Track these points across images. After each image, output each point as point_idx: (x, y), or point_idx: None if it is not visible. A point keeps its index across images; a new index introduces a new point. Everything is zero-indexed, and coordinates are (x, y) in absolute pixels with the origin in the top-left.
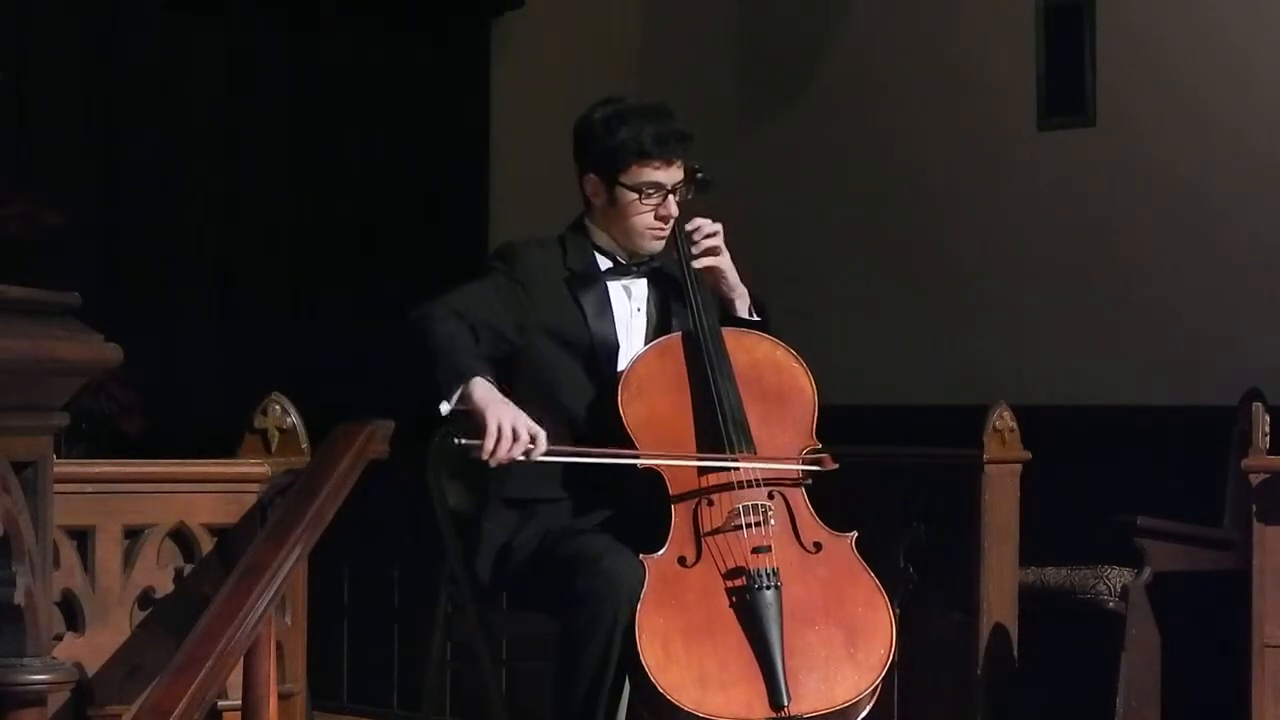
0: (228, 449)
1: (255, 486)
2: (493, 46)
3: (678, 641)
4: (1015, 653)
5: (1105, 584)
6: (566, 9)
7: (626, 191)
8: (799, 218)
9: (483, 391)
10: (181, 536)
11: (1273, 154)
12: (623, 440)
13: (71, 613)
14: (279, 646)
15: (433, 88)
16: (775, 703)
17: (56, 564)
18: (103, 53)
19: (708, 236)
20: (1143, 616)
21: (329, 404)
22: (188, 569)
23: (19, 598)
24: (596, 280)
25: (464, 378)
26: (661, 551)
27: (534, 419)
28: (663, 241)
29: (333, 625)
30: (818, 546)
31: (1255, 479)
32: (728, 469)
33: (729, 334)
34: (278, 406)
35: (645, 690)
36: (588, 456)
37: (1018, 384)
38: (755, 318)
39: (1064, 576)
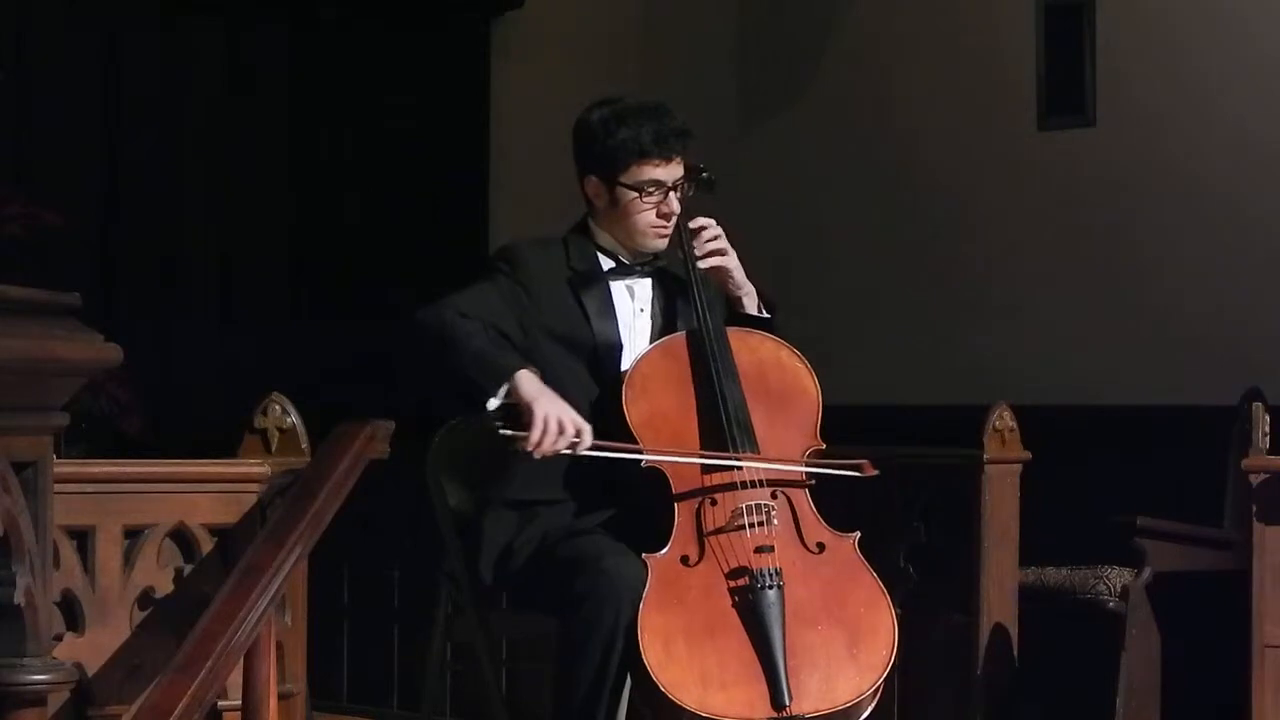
0: (228, 449)
1: (255, 486)
2: (493, 46)
3: (679, 640)
4: (1015, 653)
5: (1105, 584)
6: (566, 9)
7: (627, 191)
8: (798, 218)
9: (530, 384)
10: (181, 536)
11: (1274, 155)
12: (626, 439)
13: (71, 613)
14: (279, 646)
15: (433, 88)
16: (777, 703)
17: (56, 564)
18: (103, 52)
19: (712, 239)
20: (1143, 616)
21: (329, 404)
22: (188, 569)
23: (19, 598)
24: (599, 280)
25: (510, 370)
26: (664, 551)
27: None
28: (666, 240)
29: (333, 625)
30: (820, 547)
31: (1255, 479)
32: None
33: (733, 334)
34: (278, 406)
35: (647, 689)
36: (633, 454)
37: (1018, 384)
38: (764, 315)
39: (1064, 576)
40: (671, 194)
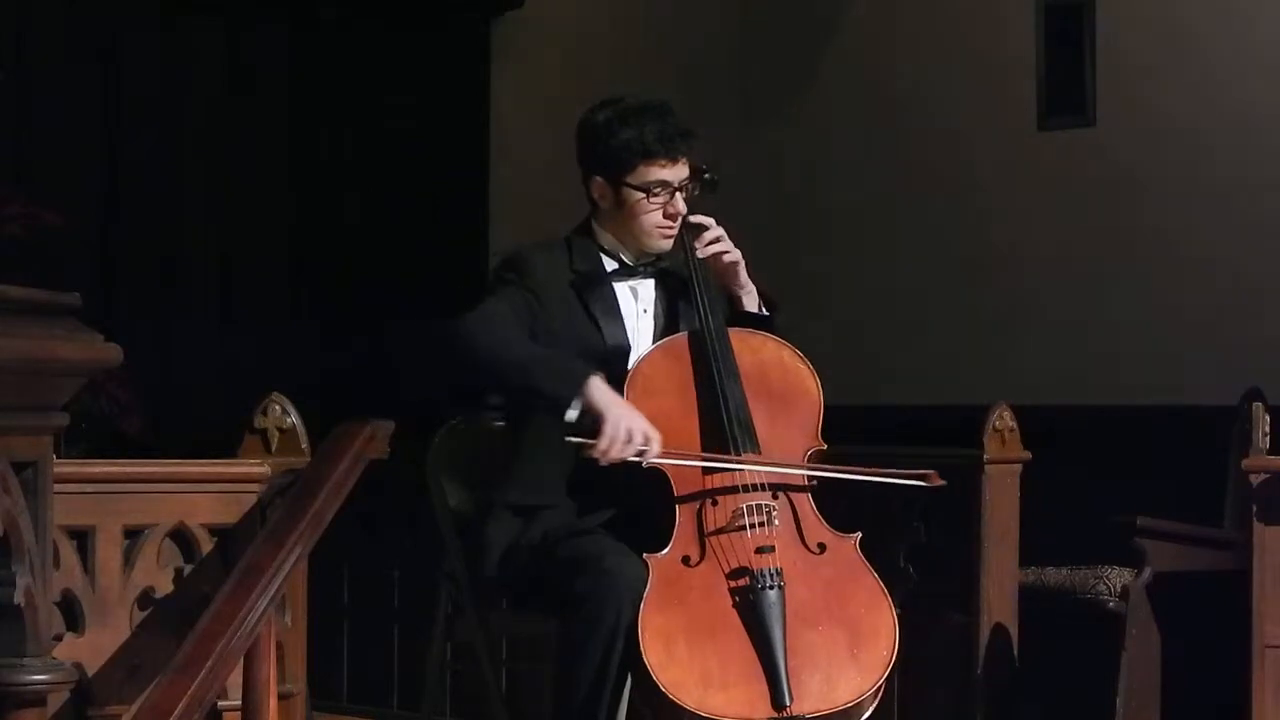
0: (228, 449)
1: (255, 486)
2: (493, 46)
3: (680, 640)
4: (1015, 653)
5: (1105, 584)
6: (566, 9)
7: (633, 191)
8: (797, 218)
9: (601, 392)
10: (181, 536)
11: (1274, 155)
12: None
13: (71, 613)
14: (279, 647)
15: (433, 88)
16: (777, 703)
17: (56, 564)
18: (103, 52)
19: (714, 239)
20: (1143, 616)
21: (329, 404)
22: (188, 569)
23: (19, 598)
24: (602, 282)
25: (582, 377)
26: (665, 551)
27: None
28: (671, 240)
29: (333, 625)
30: (821, 547)
31: (1255, 479)
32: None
33: (735, 334)
34: (278, 406)
35: (647, 689)
36: (702, 461)
37: (1018, 384)
38: (764, 313)
39: (1064, 576)
40: (677, 194)
